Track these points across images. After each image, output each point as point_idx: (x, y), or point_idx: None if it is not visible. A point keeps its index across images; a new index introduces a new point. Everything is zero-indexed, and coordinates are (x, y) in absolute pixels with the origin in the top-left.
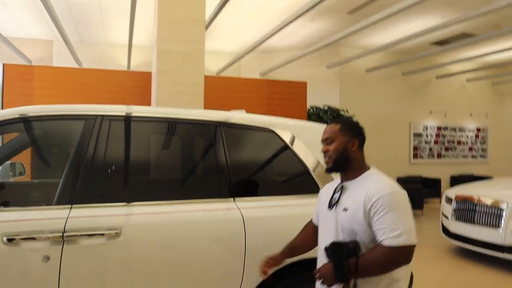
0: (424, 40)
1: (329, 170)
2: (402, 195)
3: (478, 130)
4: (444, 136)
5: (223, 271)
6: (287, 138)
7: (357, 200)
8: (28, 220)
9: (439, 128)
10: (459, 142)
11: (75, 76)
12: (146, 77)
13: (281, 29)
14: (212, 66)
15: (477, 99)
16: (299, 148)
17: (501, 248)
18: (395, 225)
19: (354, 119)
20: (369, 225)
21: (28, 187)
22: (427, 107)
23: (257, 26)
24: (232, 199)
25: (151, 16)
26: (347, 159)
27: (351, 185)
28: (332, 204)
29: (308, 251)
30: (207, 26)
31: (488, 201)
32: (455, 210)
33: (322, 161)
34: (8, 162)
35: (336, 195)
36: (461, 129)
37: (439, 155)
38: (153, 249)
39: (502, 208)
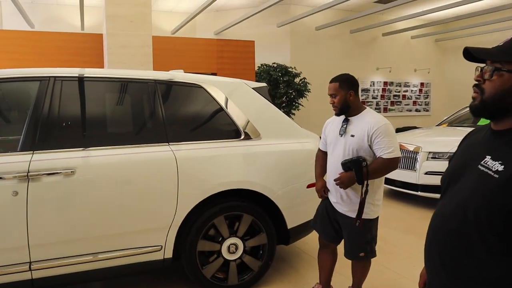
0: None
1: (337, 115)
2: (391, 125)
3: (422, 85)
4: (390, 91)
5: (161, 199)
6: (213, 92)
7: (362, 129)
8: None
9: (385, 84)
10: (403, 97)
11: (28, 40)
12: (98, 38)
13: None
14: (167, 26)
15: (421, 55)
16: (223, 100)
17: (416, 187)
18: (389, 145)
19: (302, 75)
20: (370, 146)
21: None
22: (374, 64)
23: None
24: (167, 143)
25: None
26: (348, 105)
27: (354, 119)
28: (342, 132)
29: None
30: None
31: (407, 147)
32: None
33: (245, 110)
34: None
35: (344, 127)
36: (406, 84)
37: (385, 109)
38: (102, 184)
39: (418, 152)
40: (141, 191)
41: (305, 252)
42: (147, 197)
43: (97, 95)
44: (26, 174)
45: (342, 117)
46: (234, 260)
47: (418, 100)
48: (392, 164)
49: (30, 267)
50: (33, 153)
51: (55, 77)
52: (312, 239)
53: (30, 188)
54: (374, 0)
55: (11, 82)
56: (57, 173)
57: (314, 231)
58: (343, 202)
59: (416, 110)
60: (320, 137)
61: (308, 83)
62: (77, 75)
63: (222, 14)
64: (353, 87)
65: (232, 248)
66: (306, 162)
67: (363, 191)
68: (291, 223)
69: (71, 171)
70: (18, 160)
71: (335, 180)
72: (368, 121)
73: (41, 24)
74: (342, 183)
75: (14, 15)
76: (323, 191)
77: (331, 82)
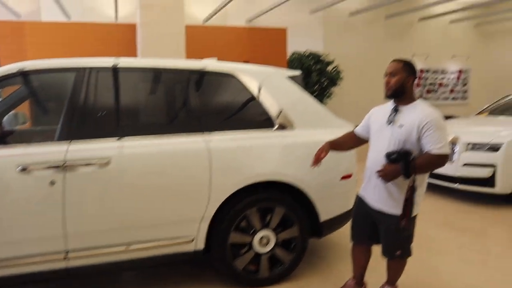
0: None
1: (388, 97)
2: (443, 119)
3: (460, 72)
4: (426, 78)
5: (195, 190)
6: (246, 81)
7: (412, 120)
8: (35, 154)
9: (421, 71)
10: (440, 85)
11: (64, 31)
12: (131, 29)
13: None
14: (199, 14)
15: (460, 41)
16: (256, 89)
17: (453, 180)
18: (439, 140)
19: (335, 63)
20: (418, 139)
21: (31, 131)
22: (410, 50)
23: None
24: (200, 133)
25: None
26: (403, 90)
27: (405, 109)
28: (390, 121)
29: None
30: None
31: None
32: None
33: (278, 99)
34: (12, 112)
35: (393, 115)
36: (443, 71)
37: (420, 97)
38: (137, 174)
39: (455, 143)
40: (174, 182)
41: (339, 245)
42: (180, 187)
43: (131, 85)
44: (63, 163)
45: (391, 105)
46: (266, 253)
47: (455, 88)
48: (440, 160)
49: (66, 256)
50: (70, 143)
51: (91, 67)
52: (345, 233)
53: (67, 178)
54: None
55: (49, 73)
56: (93, 163)
57: (347, 224)
58: (382, 197)
59: (453, 99)
60: (357, 125)
61: (341, 71)
62: (111, 65)
63: (254, 1)
64: (414, 74)
65: (264, 240)
66: (340, 153)
67: (410, 187)
68: (324, 215)
69: (106, 161)
70: (55, 150)
71: (378, 172)
72: (419, 112)
73: (78, 15)
74: (386, 175)
75: (51, 6)
76: (320, 154)
77: (394, 60)
